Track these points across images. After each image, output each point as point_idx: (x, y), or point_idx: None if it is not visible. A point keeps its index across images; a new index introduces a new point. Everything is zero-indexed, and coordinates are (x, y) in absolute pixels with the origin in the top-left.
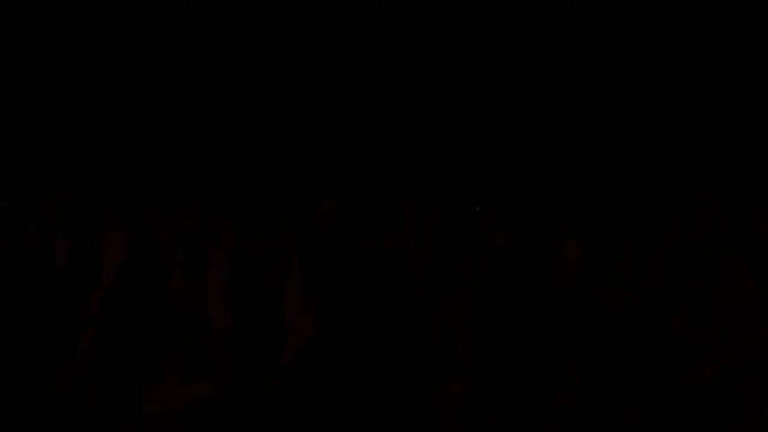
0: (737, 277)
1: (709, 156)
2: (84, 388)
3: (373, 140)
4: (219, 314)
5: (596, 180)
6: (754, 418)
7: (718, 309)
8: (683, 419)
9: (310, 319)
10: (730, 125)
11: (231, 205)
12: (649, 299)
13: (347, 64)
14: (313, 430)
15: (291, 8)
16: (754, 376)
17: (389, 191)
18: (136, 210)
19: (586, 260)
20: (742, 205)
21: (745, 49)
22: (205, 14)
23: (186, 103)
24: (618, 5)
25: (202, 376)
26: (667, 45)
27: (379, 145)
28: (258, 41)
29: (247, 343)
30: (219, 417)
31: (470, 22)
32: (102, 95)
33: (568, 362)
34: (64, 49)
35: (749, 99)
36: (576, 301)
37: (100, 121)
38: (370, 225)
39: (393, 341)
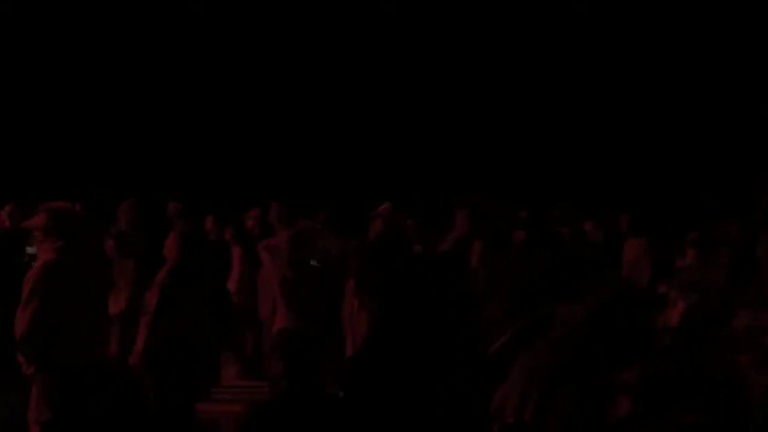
0: None
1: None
2: (143, 386)
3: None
4: (276, 314)
5: (660, 182)
6: None
7: None
8: (743, 420)
9: (368, 319)
10: None
11: (287, 206)
12: (710, 298)
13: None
14: (369, 428)
15: None
16: None
17: (446, 190)
18: (194, 210)
19: (647, 259)
20: None
21: None
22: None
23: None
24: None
25: (259, 376)
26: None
27: (436, 145)
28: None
29: (305, 343)
30: (274, 417)
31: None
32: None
33: (630, 363)
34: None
35: None
36: (638, 300)
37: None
38: (425, 224)
39: (450, 339)
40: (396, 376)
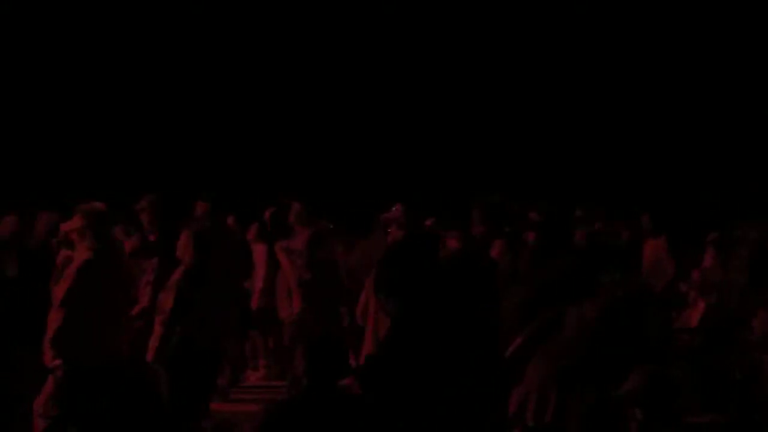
0: None
1: None
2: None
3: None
4: (297, 310)
5: (682, 183)
6: None
7: None
8: (762, 420)
9: (387, 318)
10: None
11: (306, 206)
12: (729, 298)
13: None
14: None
15: None
16: None
17: (464, 190)
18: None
19: (669, 259)
20: None
21: None
22: None
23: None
24: None
25: (280, 376)
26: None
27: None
28: None
29: (327, 342)
30: (292, 416)
31: None
32: None
33: (642, 362)
34: None
35: None
36: (649, 299)
37: None
38: (445, 223)
39: (469, 338)
40: (414, 375)
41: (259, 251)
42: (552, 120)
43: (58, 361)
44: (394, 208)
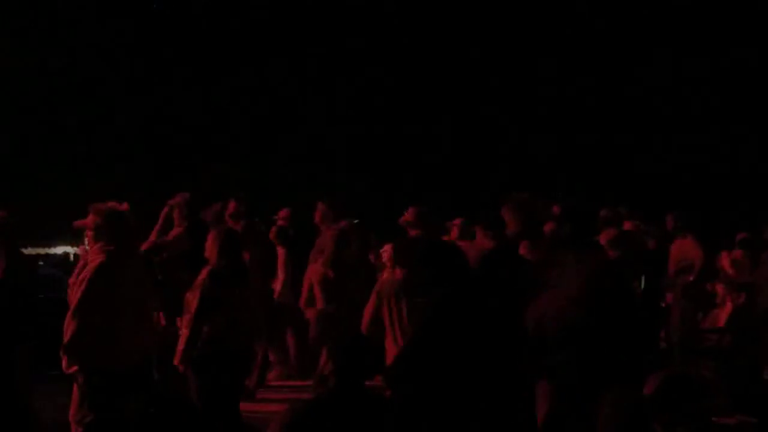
0: None
1: None
2: (186, 387)
3: None
4: (321, 308)
5: (707, 188)
6: None
7: None
8: None
9: (416, 319)
10: None
11: (331, 206)
12: (758, 298)
13: None
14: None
15: None
16: None
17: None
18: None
19: (696, 258)
20: None
21: None
22: None
23: None
24: None
25: (303, 376)
26: None
27: None
28: None
29: (355, 342)
30: (318, 416)
31: None
32: None
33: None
34: None
35: None
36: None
37: None
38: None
39: (500, 337)
40: (444, 375)
41: (279, 253)
42: (581, 123)
43: (74, 368)
44: (407, 212)
